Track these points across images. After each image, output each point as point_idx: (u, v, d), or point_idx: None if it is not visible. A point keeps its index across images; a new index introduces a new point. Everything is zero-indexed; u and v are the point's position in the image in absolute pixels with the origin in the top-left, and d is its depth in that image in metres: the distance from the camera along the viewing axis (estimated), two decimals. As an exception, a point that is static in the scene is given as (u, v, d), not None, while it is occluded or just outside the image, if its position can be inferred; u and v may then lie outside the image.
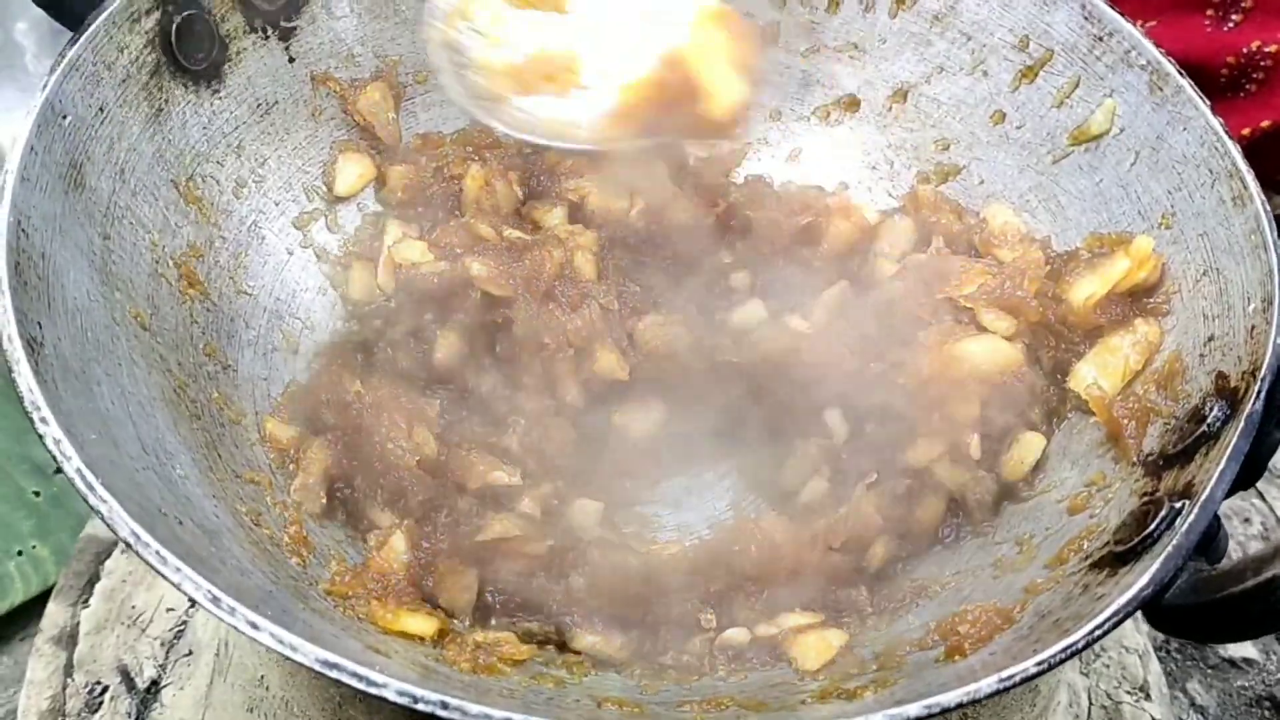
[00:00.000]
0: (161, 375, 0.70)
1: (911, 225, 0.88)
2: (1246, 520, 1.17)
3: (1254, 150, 0.76)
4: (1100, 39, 0.82)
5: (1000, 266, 0.81)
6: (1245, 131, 1.14)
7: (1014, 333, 0.78)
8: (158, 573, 0.53)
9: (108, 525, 0.54)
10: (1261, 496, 1.18)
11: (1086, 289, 0.78)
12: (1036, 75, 0.86)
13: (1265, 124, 1.14)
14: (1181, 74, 0.79)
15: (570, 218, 0.86)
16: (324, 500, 0.74)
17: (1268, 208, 0.71)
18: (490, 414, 0.78)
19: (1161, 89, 0.79)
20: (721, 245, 0.89)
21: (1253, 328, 0.68)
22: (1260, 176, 0.74)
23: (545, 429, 0.78)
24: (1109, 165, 0.82)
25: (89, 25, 0.70)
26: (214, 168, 0.79)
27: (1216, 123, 0.76)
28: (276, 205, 0.83)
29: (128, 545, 0.53)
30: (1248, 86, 1.15)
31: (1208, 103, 0.77)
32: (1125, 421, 0.72)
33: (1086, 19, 0.83)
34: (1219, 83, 1.14)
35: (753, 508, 0.82)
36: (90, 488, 0.54)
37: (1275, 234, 0.70)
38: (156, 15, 0.74)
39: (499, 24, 0.74)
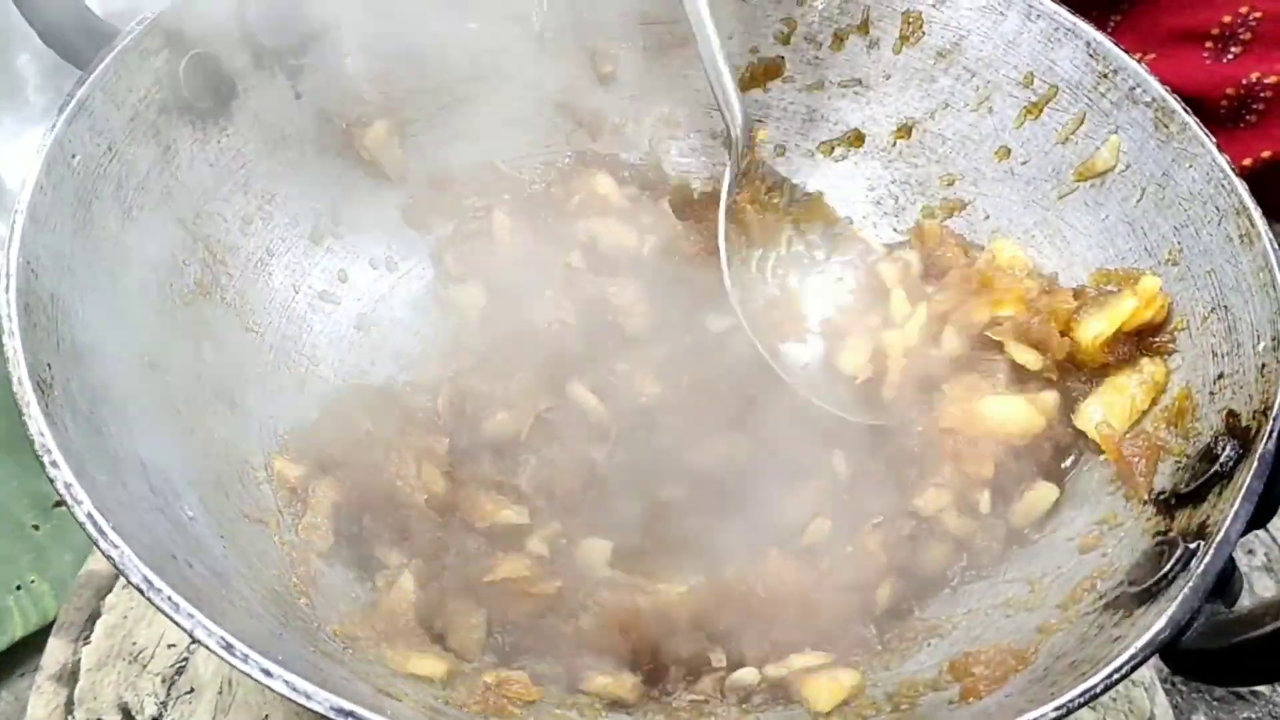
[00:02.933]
0: (170, 414, 0.69)
1: (917, 260, 0.88)
2: (1250, 551, 1.16)
3: (1255, 180, 0.77)
4: (1105, 75, 0.82)
5: (1028, 303, 0.80)
6: (1246, 162, 1.15)
7: (1041, 367, 0.78)
8: (170, 619, 0.52)
9: (119, 570, 0.53)
10: (1264, 527, 1.17)
11: (1094, 328, 0.78)
12: (1041, 112, 0.86)
13: (1266, 154, 1.15)
14: (1187, 111, 0.79)
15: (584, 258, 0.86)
16: (332, 539, 0.73)
17: (1275, 245, 0.71)
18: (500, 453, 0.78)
19: (1167, 126, 0.79)
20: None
21: (1263, 366, 0.68)
22: (1262, 206, 0.74)
23: (555, 469, 0.77)
24: (1115, 202, 0.82)
25: (98, 65, 0.70)
26: (221, 205, 0.78)
27: (1223, 160, 0.76)
28: (283, 241, 0.83)
29: (140, 591, 0.53)
30: (1248, 117, 1.15)
31: (1213, 140, 0.77)
32: (1135, 459, 0.72)
33: (1091, 56, 0.83)
34: (1219, 114, 1.15)
35: (758, 546, 0.82)
36: (101, 533, 0.54)
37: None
38: (165, 54, 0.73)
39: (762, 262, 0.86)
